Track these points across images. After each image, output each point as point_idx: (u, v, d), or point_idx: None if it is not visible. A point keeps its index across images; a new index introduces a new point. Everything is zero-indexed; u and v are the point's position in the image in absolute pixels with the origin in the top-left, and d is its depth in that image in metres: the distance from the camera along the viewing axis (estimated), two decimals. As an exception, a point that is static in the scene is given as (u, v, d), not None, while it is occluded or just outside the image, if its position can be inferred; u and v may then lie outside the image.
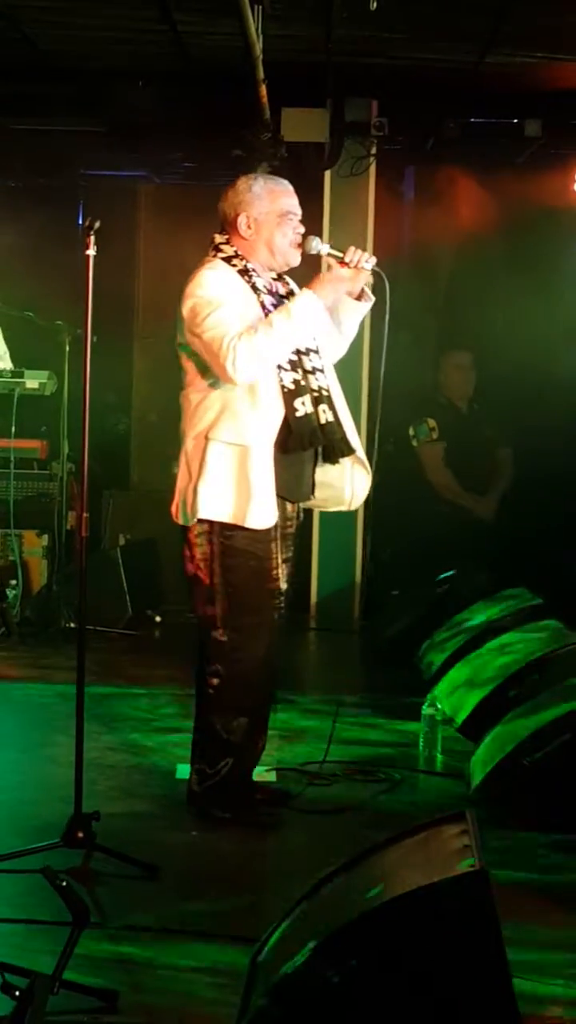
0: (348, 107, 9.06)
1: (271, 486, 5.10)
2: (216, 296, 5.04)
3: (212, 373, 5.05)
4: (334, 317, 5.32)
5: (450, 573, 8.14)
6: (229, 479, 5.06)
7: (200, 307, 5.03)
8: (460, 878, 3.25)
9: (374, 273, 5.24)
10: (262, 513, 5.09)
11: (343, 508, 5.50)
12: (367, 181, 9.26)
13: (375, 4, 6.46)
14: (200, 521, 5.11)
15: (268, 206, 5.19)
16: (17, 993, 3.20)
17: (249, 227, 5.19)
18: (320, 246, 5.24)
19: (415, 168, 10.11)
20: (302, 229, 5.25)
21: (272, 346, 5.00)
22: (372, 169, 9.26)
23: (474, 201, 9.51)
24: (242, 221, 5.19)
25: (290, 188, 5.29)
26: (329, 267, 5.25)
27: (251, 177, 5.29)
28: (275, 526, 5.16)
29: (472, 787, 5.42)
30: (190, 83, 8.64)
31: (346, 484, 5.39)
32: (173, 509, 5.20)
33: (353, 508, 5.52)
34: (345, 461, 5.33)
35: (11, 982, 3.30)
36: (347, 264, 5.18)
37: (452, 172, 9.46)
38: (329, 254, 5.23)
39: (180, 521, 5.19)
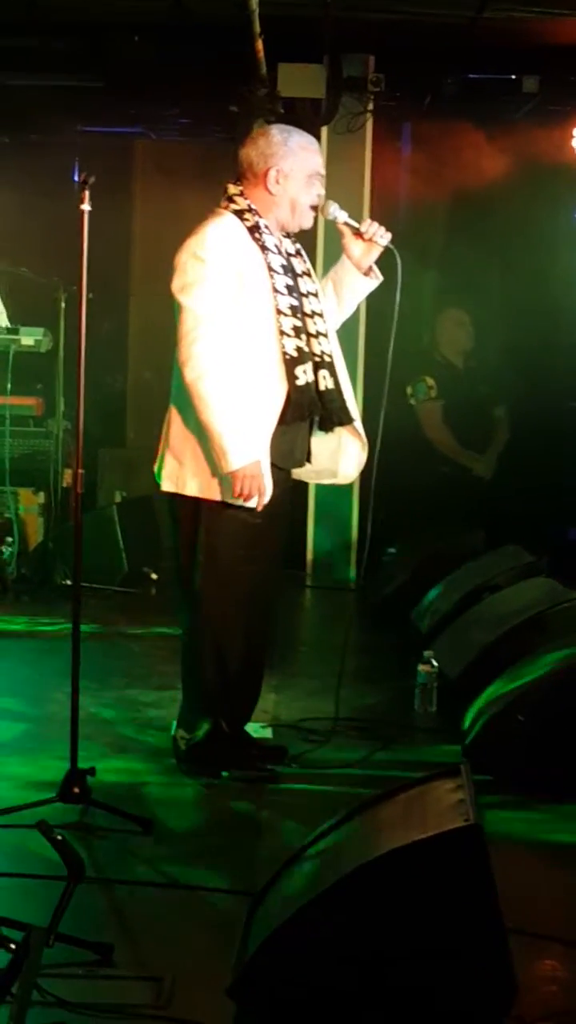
0: (345, 63, 9.00)
1: (266, 464, 4.98)
2: (212, 263, 4.87)
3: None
4: (338, 292, 5.25)
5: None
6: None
7: (192, 268, 4.87)
8: (455, 832, 3.27)
9: (387, 250, 5.13)
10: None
11: (336, 482, 5.45)
12: (364, 137, 9.22)
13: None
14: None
15: (301, 163, 5.04)
16: (13, 946, 3.22)
17: (278, 182, 5.03)
18: (338, 213, 5.12)
19: (412, 124, 10.05)
20: (322, 191, 5.12)
21: (209, 408, 4.82)
22: (369, 125, 9.22)
23: (471, 157, 9.46)
24: (272, 176, 5.02)
25: (318, 146, 5.16)
26: (344, 235, 5.17)
27: (284, 129, 5.12)
28: None
29: (467, 742, 5.43)
30: (187, 38, 8.57)
31: (342, 458, 5.32)
32: (155, 467, 5.12)
33: (344, 482, 5.46)
34: (340, 433, 5.26)
35: (7, 935, 3.32)
36: (361, 236, 5.11)
37: (450, 128, 9.41)
38: (346, 223, 5.13)
39: (164, 487, 5.11)
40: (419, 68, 8.96)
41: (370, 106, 9.13)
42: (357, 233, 5.11)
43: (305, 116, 8.93)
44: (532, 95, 8.97)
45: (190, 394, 4.86)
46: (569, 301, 9.85)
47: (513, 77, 8.97)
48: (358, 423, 5.28)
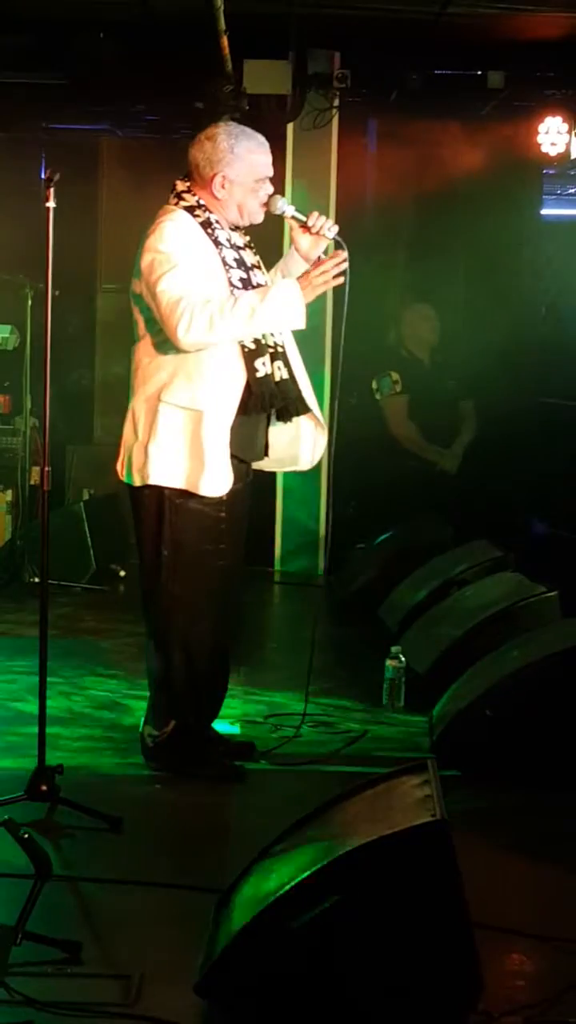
0: (311, 59, 9.00)
1: (226, 452, 4.98)
2: (176, 252, 4.90)
3: (162, 331, 4.93)
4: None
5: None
6: (182, 445, 4.97)
7: (159, 263, 4.88)
8: (421, 828, 3.28)
9: (335, 243, 5.13)
10: (216, 480, 5.00)
11: (297, 468, 5.45)
12: (330, 133, 9.22)
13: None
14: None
15: (247, 168, 5.03)
16: (-20, 945, 3.22)
17: (223, 187, 5.04)
18: (285, 207, 5.11)
19: (378, 120, 10.05)
20: (271, 189, 5.11)
21: (230, 326, 4.83)
22: (335, 122, 9.22)
23: (437, 153, 9.48)
24: (217, 182, 5.03)
25: (267, 146, 5.12)
26: (292, 228, 5.18)
27: (231, 133, 5.07)
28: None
29: (434, 738, 5.45)
30: (152, 35, 8.56)
31: (301, 445, 5.33)
32: (119, 466, 5.12)
33: (305, 469, 5.47)
34: (299, 420, 5.26)
35: (-26, 934, 3.32)
36: (308, 229, 5.11)
37: (415, 124, 9.42)
38: (293, 217, 5.12)
39: (125, 480, 5.11)
40: (384, 64, 8.96)
41: (336, 102, 9.13)
42: (304, 227, 5.11)
43: (271, 112, 8.93)
44: (497, 91, 8.98)
45: (215, 344, 4.86)
46: (534, 296, 9.89)
47: (479, 73, 8.97)
48: (316, 409, 5.28)
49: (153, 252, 4.92)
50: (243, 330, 4.89)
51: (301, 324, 4.94)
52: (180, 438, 4.97)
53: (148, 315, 4.99)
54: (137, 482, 5.06)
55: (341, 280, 4.95)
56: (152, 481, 5.02)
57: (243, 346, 4.99)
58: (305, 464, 5.40)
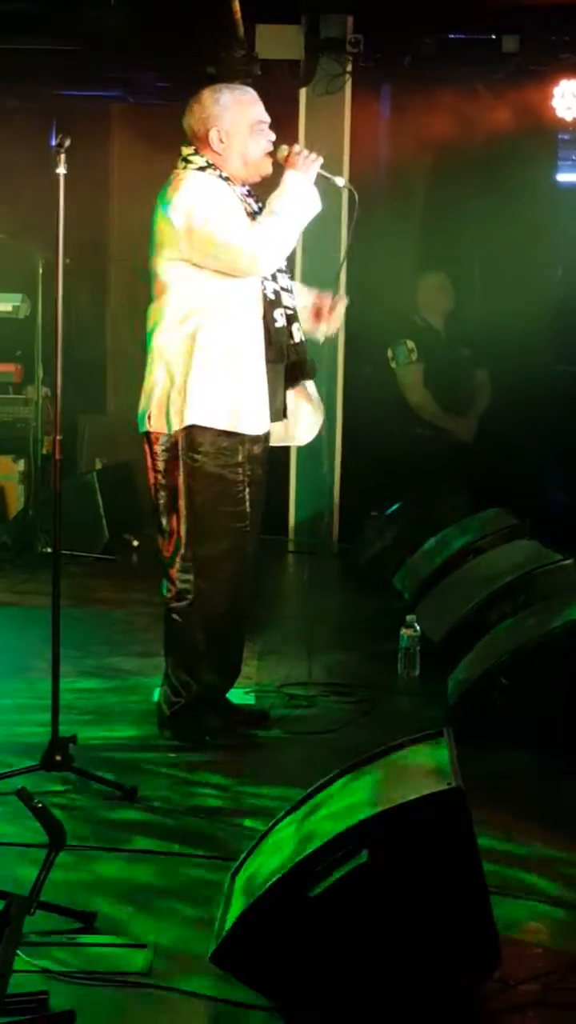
0: (323, 23, 8.95)
1: (264, 389, 5.11)
2: (211, 198, 5.00)
3: (194, 281, 4.99)
4: None
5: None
6: (222, 381, 5.02)
7: (198, 213, 4.95)
8: (437, 796, 3.25)
9: (350, 193, 5.22)
10: (255, 416, 5.10)
11: (287, 443, 5.49)
12: (343, 99, 9.16)
13: None
14: (167, 435, 5.05)
15: (238, 117, 5.12)
16: (-7, 914, 3.20)
17: (221, 141, 5.10)
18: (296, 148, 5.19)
19: (392, 85, 9.98)
20: (273, 137, 5.17)
21: (284, 228, 5.01)
22: (348, 87, 9.16)
23: (451, 119, 9.41)
24: (213, 135, 5.09)
25: (255, 95, 5.21)
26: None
27: (216, 89, 5.19)
28: (243, 449, 5.11)
29: (450, 706, 5.43)
30: (164, 0, 8.50)
31: (300, 420, 5.38)
32: (149, 415, 5.08)
33: (300, 444, 5.47)
34: (298, 400, 5.32)
35: (-12, 903, 3.30)
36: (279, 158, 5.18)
37: (429, 89, 9.35)
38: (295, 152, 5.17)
39: (155, 428, 5.07)
40: (398, 29, 8.88)
41: (349, 67, 9.07)
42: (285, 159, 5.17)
43: (283, 78, 8.88)
44: (512, 55, 8.90)
45: (276, 252, 5.03)
46: (550, 262, 9.82)
47: (493, 37, 8.89)
48: (312, 388, 5.33)
49: (187, 206, 4.98)
50: (289, 230, 5.04)
51: (318, 203, 5.10)
52: (220, 375, 5.02)
53: (181, 270, 5.01)
54: (176, 425, 5.03)
55: (320, 157, 5.14)
56: (191, 421, 5.01)
57: (265, 295, 5.09)
58: (300, 440, 5.41)
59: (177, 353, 5.03)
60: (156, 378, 5.07)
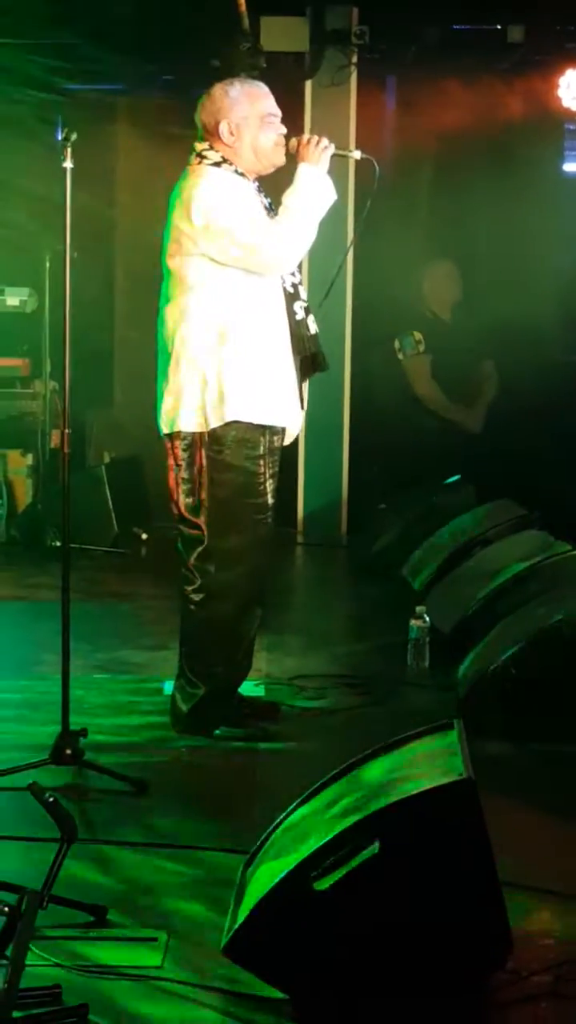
0: (328, 15, 8.93)
1: (294, 381, 5.16)
2: (229, 195, 5.01)
3: (219, 278, 4.99)
4: None
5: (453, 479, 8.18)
6: (256, 376, 5.04)
7: (218, 210, 4.96)
8: (448, 787, 3.26)
9: (365, 161, 5.28)
10: (289, 408, 5.15)
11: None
12: (348, 91, 9.15)
13: None
14: (186, 434, 5.05)
15: (248, 109, 5.12)
16: (6, 909, 3.20)
17: (232, 133, 5.10)
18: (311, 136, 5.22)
19: (397, 77, 9.97)
20: (284, 130, 5.17)
21: (302, 224, 5.04)
22: (353, 78, 9.15)
23: (457, 109, 9.39)
24: (224, 128, 5.09)
25: (266, 89, 5.22)
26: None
27: (226, 83, 5.20)
28: (265, 440, 5.12)
29: (460, 697, 5.42)
30: (168, -7, 8.51)
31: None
32: (182, 413, 5.04)
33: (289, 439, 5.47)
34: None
35: (0, 898, 3.31)
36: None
37: (435, 80, 9.33)
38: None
39: (186, 428, 5.04)
40: (403, 19, 8.87)
41: (354, 59, 9.05)
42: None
43: (288, 70, 8.87)
44: (518, 45, 8.89)
45: (295, 249, 5.07)
46: (556, 252, 9.81)
47: (498, 27, 8.88)
48: (303, 387, 5.33)
49: (205, 204, 4.98)
50: (307, 225, 5.07)
51: (333, 193, 5.14)
52: (254, 370, 5.04)
53: (200, 267, 5.01)
54: (215, 422, 5.02)
55: (332, 144, 5.16)
56: (231, 417, 5.01)
57: (285, 289, 5.12)
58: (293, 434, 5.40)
59: (206, 352, 5.02)
60: (184, 378, 5.04)
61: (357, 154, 5.32)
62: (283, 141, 5.16)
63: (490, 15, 8.81)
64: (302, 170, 5.10)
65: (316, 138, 5.14)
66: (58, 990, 3.23)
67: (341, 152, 5.21)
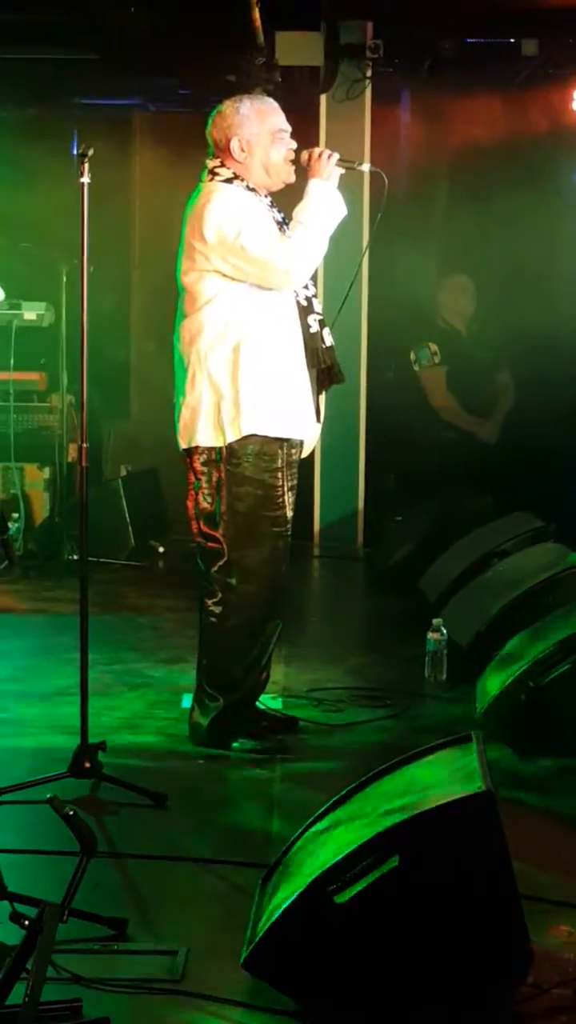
0: (343, 30, 8.95)
1: (309, 394, 5.16)
2: (241, 212, 5.02)
3: (233, 294, 5.01)
4: None
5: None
6: (272, 389, 5.05)
7: (230, 227, 4.98)
8: (468, 799, 3.26)
9: (374, 174, 5.30)
10: (305, 421, 5.15)
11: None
12: (363, 104, 9.17)
13: None
14: (204, 448, 5.06)
15: (258, 126, 5.14)
16: (27, 922, 3.21)
17: (243, 150, 5.12)
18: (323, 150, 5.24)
19: (411, 90, 10.00)
20: (295, 145, 5.20)
21: (313, 239, 5.05)
22: (368, 92, 9.17)
23: (471, 123, 9.42)
24: (235, 145, 5.12)
25: (276, 106, 5.25)
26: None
27: (237, 99, 5.22)
28: (283, 454, 5.13)
29: (479, 711, 5.42)
30: (183, 7, 8.52)
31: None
32: (199, 428, 5.05)
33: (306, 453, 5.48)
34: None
35: (21, 911, 3.32)
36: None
37: (449, 94, 9.35)
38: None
39: (204, 442, 5.05)
40: (417, 34, 8.89)
41: (369, 73, 9.07)
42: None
43: (303, 84, 8.90)
44: (532, 58, 8.91)
45: (306, 264, 5.06)
46: (571, 265, 9.81)
47: (512, 41, 8.89)
48: (321, 398, 5.34)
49: (218, 220, 5.00)
50: (318, 240, 5.08)
51: (343, 208, 5.16)
52: (269, 384, 5.05)
53: (214, 283, 5.03)
54: (232, 436, 5.03)
55: (338, 155, 5.18)
56: (248, 431, 5.03)
57: (298, 302, 5.14)
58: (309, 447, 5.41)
59: (222, 366, 5.03)
60: (200, 393, 5.06)
61: (366, 167, 5.35)
62: (294, 156, 5.18)
63: (504, 29, 8.83)
64: (312, 185, 5.12)
65: (327, 152, 5.16)
66: (79, 1004, 3.23)
67: (348, 163, 5.21)
